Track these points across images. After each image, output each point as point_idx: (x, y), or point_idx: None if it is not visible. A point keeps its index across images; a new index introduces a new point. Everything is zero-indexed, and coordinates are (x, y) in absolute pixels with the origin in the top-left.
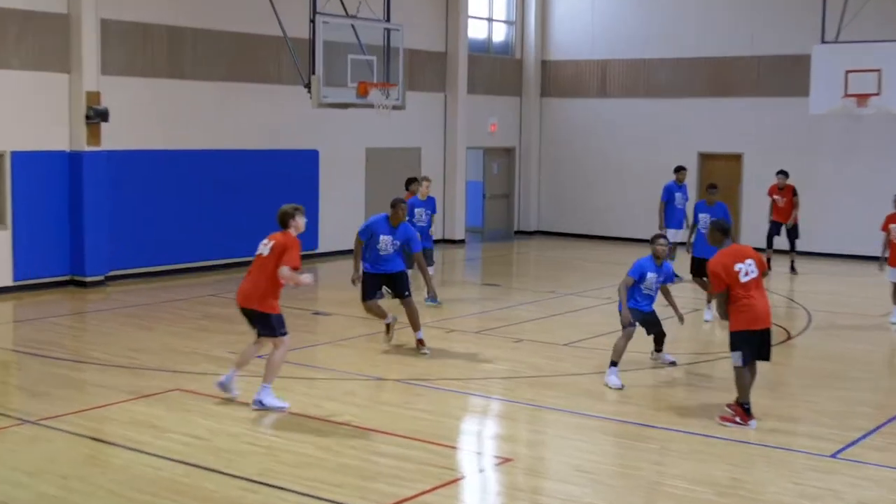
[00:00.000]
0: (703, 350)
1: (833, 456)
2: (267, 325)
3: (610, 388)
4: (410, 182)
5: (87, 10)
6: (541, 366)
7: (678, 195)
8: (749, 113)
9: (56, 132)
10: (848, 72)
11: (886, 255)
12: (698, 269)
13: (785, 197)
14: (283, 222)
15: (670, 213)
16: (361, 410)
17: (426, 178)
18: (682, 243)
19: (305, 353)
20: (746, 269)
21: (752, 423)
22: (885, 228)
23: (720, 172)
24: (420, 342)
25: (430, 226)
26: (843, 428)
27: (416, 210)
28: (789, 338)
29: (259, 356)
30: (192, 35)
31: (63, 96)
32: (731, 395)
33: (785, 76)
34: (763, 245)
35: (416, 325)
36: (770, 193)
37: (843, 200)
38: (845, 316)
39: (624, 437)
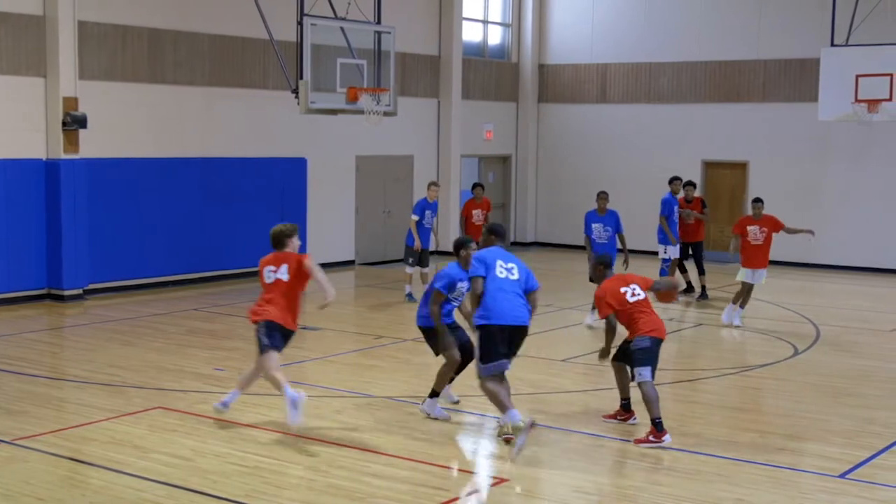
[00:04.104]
0: (708, 366)
1: (842, 476)
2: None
3: (433, 418)
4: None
5: (63, 12)
6: (538, 382)
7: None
8: (755, 119)
9: (31, 139)
10: (858, 76)
11: None
12: None
13: (695, 210)
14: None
15: (672, 227)
16: (352, 429)
17: (436, 184)
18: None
19: (293, 370)
20: (632, 291)
21: (667, 437)
22: None
23: (725, 181)
24: None
25: (431, 228)
26: (853, 447)
27: (427, 212)
28: (796, 353)
29: None
30: (174, 38)
31: (39, 102)
32: (734, 413)
33: (792, 81)
34: (776, 257)
35: None
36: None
37: (854, 210)
38: (855, 330)
39: (626, 456)
